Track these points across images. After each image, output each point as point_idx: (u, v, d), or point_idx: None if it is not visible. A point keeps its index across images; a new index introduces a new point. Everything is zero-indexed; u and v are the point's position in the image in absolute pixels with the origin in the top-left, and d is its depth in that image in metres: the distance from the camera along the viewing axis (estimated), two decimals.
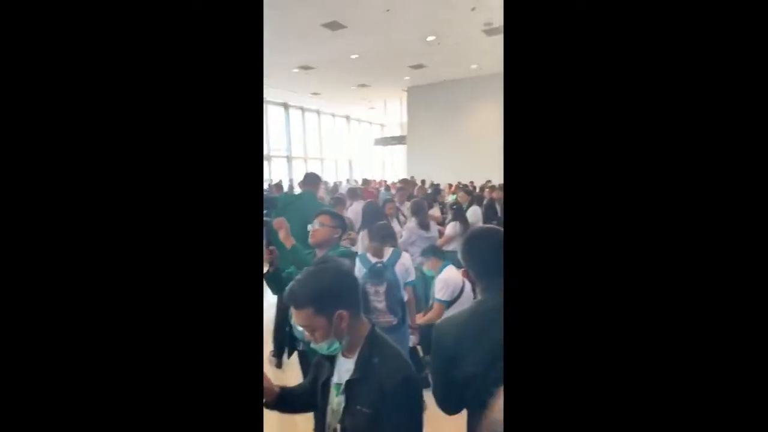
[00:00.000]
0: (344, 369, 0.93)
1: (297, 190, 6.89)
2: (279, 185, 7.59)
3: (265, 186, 8.27)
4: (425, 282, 2.86)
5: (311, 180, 2.96)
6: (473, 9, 5.91)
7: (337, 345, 0.89)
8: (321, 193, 5.10)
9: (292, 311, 0.89)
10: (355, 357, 0.91)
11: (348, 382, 0.89)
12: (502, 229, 0.92)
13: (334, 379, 0.95)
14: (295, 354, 1.86)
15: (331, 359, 0.95)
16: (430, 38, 7.19)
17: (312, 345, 0.91)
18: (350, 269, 0.97)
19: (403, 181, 5.83)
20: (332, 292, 0.87)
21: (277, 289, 1.70)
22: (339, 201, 3.70)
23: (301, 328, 0.89)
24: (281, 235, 1.75)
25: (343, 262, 0.99)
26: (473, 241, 1.01)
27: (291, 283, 0.90)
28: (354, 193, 4.76)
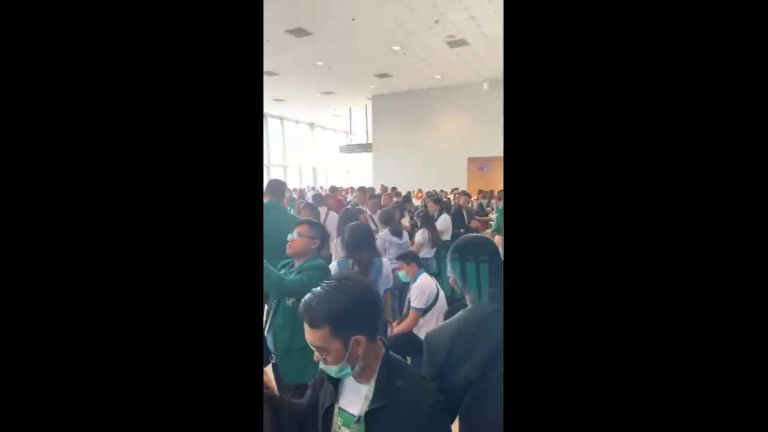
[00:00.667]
0: (354, 395, 0.85)
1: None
2: None
3: None
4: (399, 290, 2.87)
5: (277, 188, 2.73)
6: (437, 21, 6.07)
7: (348, 370, 0.82)
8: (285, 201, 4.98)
9: (306, 328, 0.81)
10: (372, 384, 0.83)
11: (368, 412, 0.81)
12: (491, 237, 0.93)
13: (344, 406, 0.87)
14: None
15: (336, 382, 0.87)
16: (395, 48, 7.30)
17: (321, 366, 0.83)
18: (372, 289, 0.89)
19: (360, 189, 5.82)
20: (353, 315, 0.79)
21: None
22: (310, 207, 3.59)
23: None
24: None
25: (366, 280, 0.91)
26: (463, 248, 1.02)
27: (308, 297, 0.82)
28: (320, 199, 4.69)
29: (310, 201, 4.75)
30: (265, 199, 2.59)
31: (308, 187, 12.34)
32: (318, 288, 0.83)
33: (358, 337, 0.80)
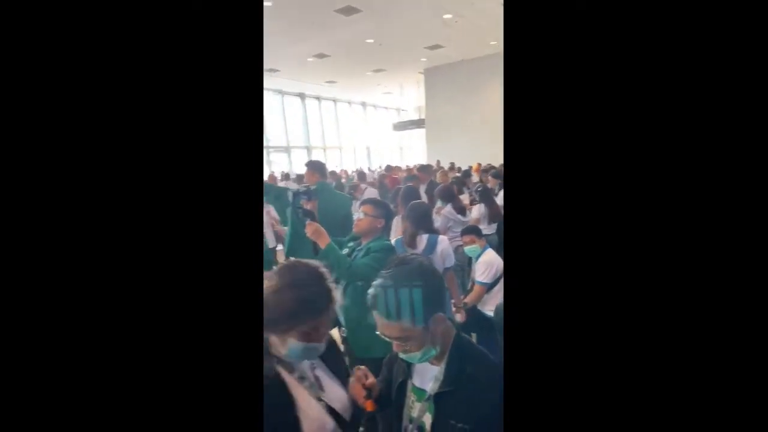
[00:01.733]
0: (426, 374, 0.86)
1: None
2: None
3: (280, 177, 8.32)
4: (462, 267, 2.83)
5: (320, 168, 2.67)
6: None
7: (432, 351, 0.80)
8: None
9: (381, 321, 0.79)
10: (443, 366, 0.82)
11: (438, 394, 0.81)
12: None
13: (415, 383, 0.88)
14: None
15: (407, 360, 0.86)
16: (447, 16, 6.98)
17: (402, 355, 0.82)
18: (435, 267, 0.87)
19: (421, 168, 5.71)
20: (425, 297, 0.76)
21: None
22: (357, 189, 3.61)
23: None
24: (312, 233, 1.62)
25: (426, 259, 0.89)
26: None
27: (377, 292, 0.79)
28: (362, 176, 4.72)
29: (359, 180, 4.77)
30: (311, 180, 2.64)
31: (366, 168, 12.48)
32: (383, 279, 0.81)
33: (438, 315, 0.79)
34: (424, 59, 9.93)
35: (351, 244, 1.83)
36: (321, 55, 8.74)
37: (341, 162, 13.82)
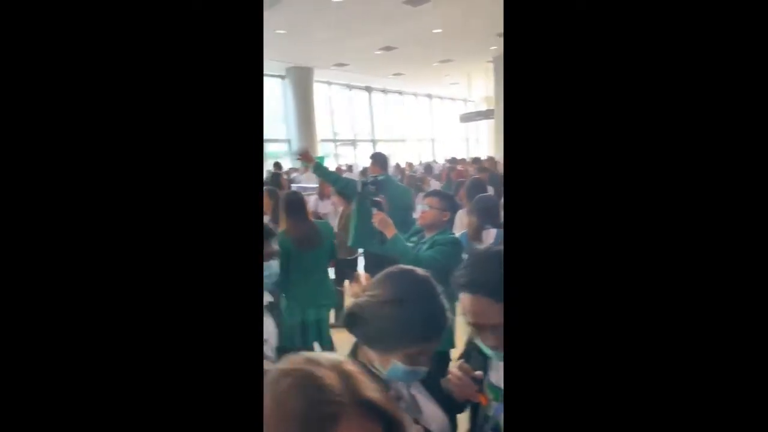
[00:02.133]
0: (501, 371, 0.81)
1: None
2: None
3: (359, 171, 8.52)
4: None
5: (382, 160, 2.73)
6: None
7: None
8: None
9: (484, 302, 0.75)
10: None
11: None
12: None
13: (492, 380, 0.85)
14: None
15: (485, 357, 0.83)
16: None
17: (486, 349, 0.79)
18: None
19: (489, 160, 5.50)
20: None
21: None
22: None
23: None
24: (379, 222, 1.64)
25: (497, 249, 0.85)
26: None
27: (467, 274, 0.77)
28: (429, 169, 4.66)
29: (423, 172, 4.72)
30: (374, 172, 2.66)
31: (420, 162, 12.37)
32: (468, 264, 0.79)
33: None
34: (494, 47, 9.52)
35: (414, 238, 1.83)
36: (388, 48, 8.77)
37: (406, 154, 13.84)
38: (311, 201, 4.54)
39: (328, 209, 4.76)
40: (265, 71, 10.49)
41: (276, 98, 11.19)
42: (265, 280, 1.09)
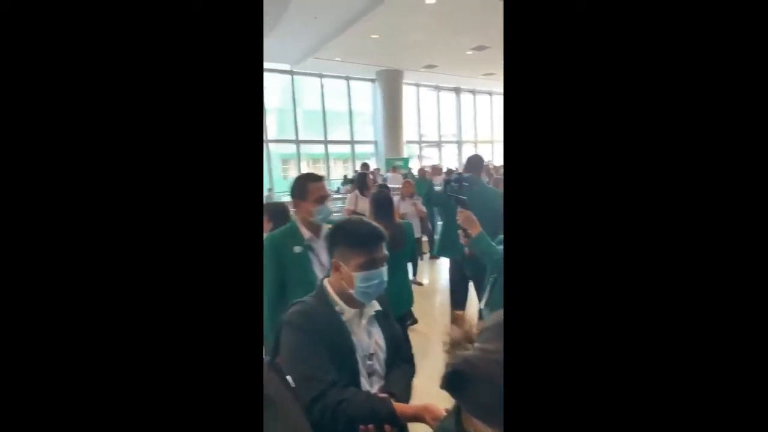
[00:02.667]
0: None
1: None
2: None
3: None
4: None
5: (476, 163, 2.70)
6: None
7: None
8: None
9: None
10: None
11: None
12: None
13: None
14: None
15: None
16: None
17: None
18: None
19: None
20: None
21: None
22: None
23: None
24: (463, 220, 1.64)
25: None
26: None
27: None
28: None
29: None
30: (466, 174, 2.60)
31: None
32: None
33: None
34: None
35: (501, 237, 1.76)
36: (480, 47, 8.54)
37: (492, 157, 13.38)
38: (394, 200, 4.62)
39: (409, 209, 4.80)
40: (357, 75, 10.97)
41: (366, 101, 11.61)
42: (374, 289, 1.06)
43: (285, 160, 11.97)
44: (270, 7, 6.39)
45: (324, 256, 1.63)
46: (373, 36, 7.56)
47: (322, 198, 1.64)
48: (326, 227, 1.63)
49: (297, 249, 1.62)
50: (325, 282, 1.10)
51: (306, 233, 1.66)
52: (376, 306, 1.11)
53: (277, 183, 10.57)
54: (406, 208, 4.78)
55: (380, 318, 1.13)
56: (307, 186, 1.66)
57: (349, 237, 1.05)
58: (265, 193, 8.51)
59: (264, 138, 10.80)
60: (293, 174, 11.77)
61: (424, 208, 4.77)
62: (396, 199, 4.75)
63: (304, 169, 11.33)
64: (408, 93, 11.55)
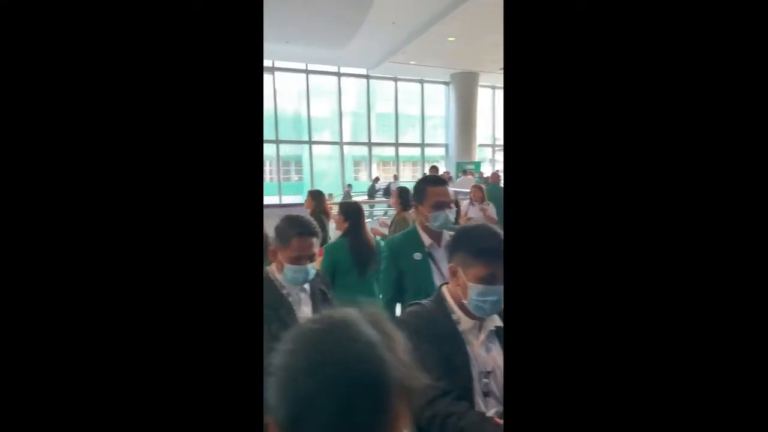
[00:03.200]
0: None
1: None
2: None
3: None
4: None
5: None
6: None
7: None
8: None
9: None
10: None
11: None
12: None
13: None
14: None
15: None
16: None
17: None
18: None
19: None
20: None
21: None
22: None
23: None
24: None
25: None
26: None
27: None
28: None
29: None
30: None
31: None
32: None
33: None
34: None
35: None
36: None
37: None
38: (463, 204, 4.55)
39: (477, 214, 4.69)
40: (430, 78, 10.97)
41: (437, 104, 11.57)
42: (490, 305, 0.95)
43: (357, 162, 12.37)
44: (349, 15, 6.67)
45: (445, 266, 1.43)
46: (449, 39, 7.52)
47: (440, 204, 1.46)
48: (447, 234, 1.50)
49: (417, 256, 1.49)
50: (444, 288, 1.03)
51: (426, 240, 1.51)
52: (497, 321, 1.00)
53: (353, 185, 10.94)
54: (475, 213, 4.68)
55: (502, 335, 1.01)
56: (425, 189, 1.49)
57: (472, 244, 0.96)
58: (345, 189, 8.90)
59: (339, 140, 11.28)
60: (364, 176, 12.13)
61: (494, 214, 4.63)
62: (465, 203, 4.68)
63: (375, 172, 11.61)
64: (483, 95, 11.28)
